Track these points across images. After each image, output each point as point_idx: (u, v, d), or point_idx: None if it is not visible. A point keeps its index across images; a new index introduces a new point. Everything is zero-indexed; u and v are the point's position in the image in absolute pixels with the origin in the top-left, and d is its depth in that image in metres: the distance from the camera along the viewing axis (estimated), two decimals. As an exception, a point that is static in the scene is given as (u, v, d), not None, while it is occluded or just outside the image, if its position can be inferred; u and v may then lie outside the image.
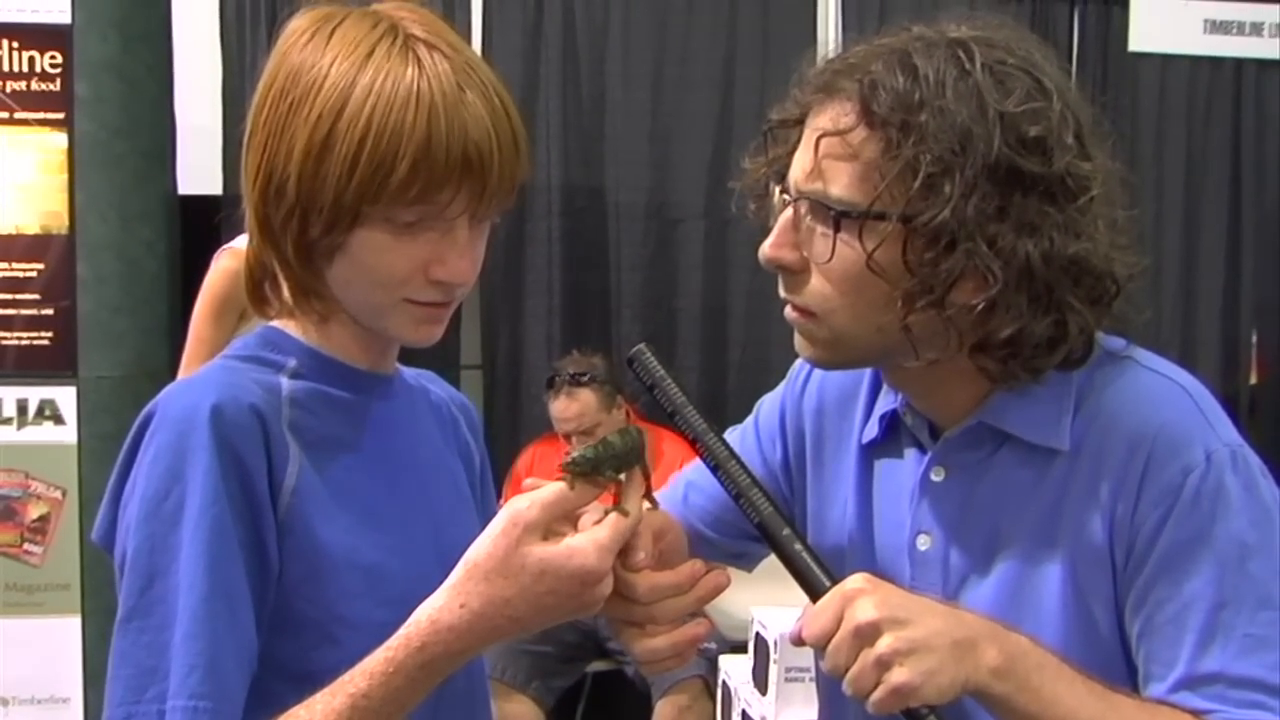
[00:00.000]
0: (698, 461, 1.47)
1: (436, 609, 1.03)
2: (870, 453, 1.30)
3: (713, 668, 3.42)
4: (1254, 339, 4.75)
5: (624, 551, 1.12)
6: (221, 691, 1.01)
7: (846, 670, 1.03)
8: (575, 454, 1.05)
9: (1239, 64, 4.69)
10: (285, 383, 1.15)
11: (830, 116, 1.13)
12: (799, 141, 1.18)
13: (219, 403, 1.06)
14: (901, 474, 1.27)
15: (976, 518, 1.21)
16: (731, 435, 1.47)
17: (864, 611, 1.02)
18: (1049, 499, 1.18)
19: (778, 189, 1.20)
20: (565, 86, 4.36)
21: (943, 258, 1.09)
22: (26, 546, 3.32)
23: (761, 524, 1.13)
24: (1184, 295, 4.72)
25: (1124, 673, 1.16)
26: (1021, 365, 1.14)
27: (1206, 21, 4.66)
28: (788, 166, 1.18)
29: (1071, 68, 4.66)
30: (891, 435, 1.28)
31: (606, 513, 1.07)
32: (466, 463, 1.34)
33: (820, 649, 1.05)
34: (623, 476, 1.10)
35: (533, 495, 1.04)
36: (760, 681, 2.96)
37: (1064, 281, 1.11)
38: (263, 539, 1.07)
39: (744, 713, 3.06)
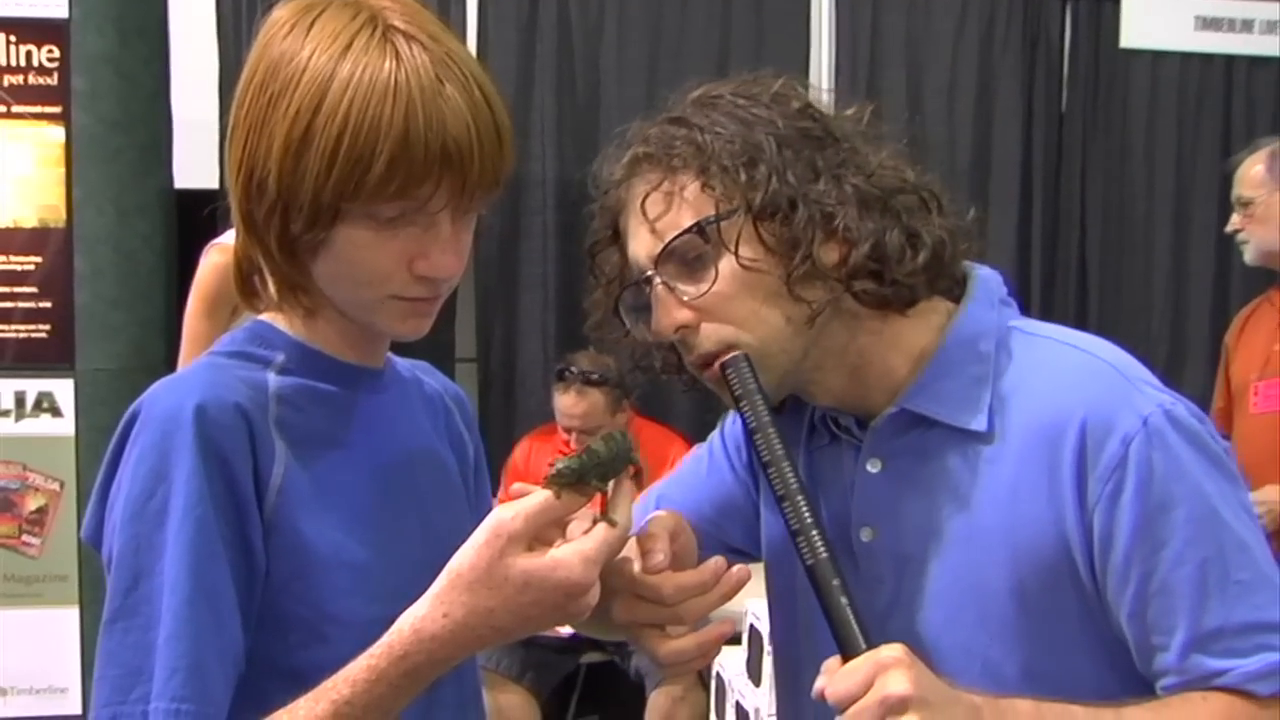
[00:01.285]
0: (672, 474, 1.48)
1: (419, 618, 1.01)
2: (810, 451, 1.30)
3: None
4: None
5: (643, 555, 1.13)
6: (204, 694, 0.99)
7: None
8: (560, 464, 1.03)
9: (1230, 60, 4.71)
10: (273, 379, 1.13)
11: (640, 188, 1.21)
12: (624, 254, 1.24)
13: (203, 402, 1.04)
14: (840, 469, 1.26)
15: (915, 507, 1.21)
16: (700, 448, 1.49)
17: (897, 684, 1.00)
18: (983, 484, 1.18)
19: (632, 289, 1.24)
20: (560, 81, 4.36)
21: (790, 225, 1.16)
22: (25, 538, 3.32)
23: (814, 567, 1.10)
24: (1174, 290, 4.74)
25: (1084, 652, 1.17)
26: (895, 284, 1.19)
27: (1197, 18, 4.68)
28: (628, 283, 1.24)
29: (1063, 64, 4.68)
30: (827, 433, 1.29)
31: (595, 521, 1.05)
32: (460, 454, 1.32)
33: (840, 710, 1.02)
34: (612, 484, 1.07)
35: (517, 505, 1.02)
36: (754, 673, 2.95)
37: (890, 194, 1.19)
38: (248, 538, 1.05)
39: (738, 704, 3.06)
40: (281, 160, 1.05)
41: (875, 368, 1.23)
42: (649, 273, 1.21)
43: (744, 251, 1.16)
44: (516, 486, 1.05)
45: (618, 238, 1.26)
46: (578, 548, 1.01)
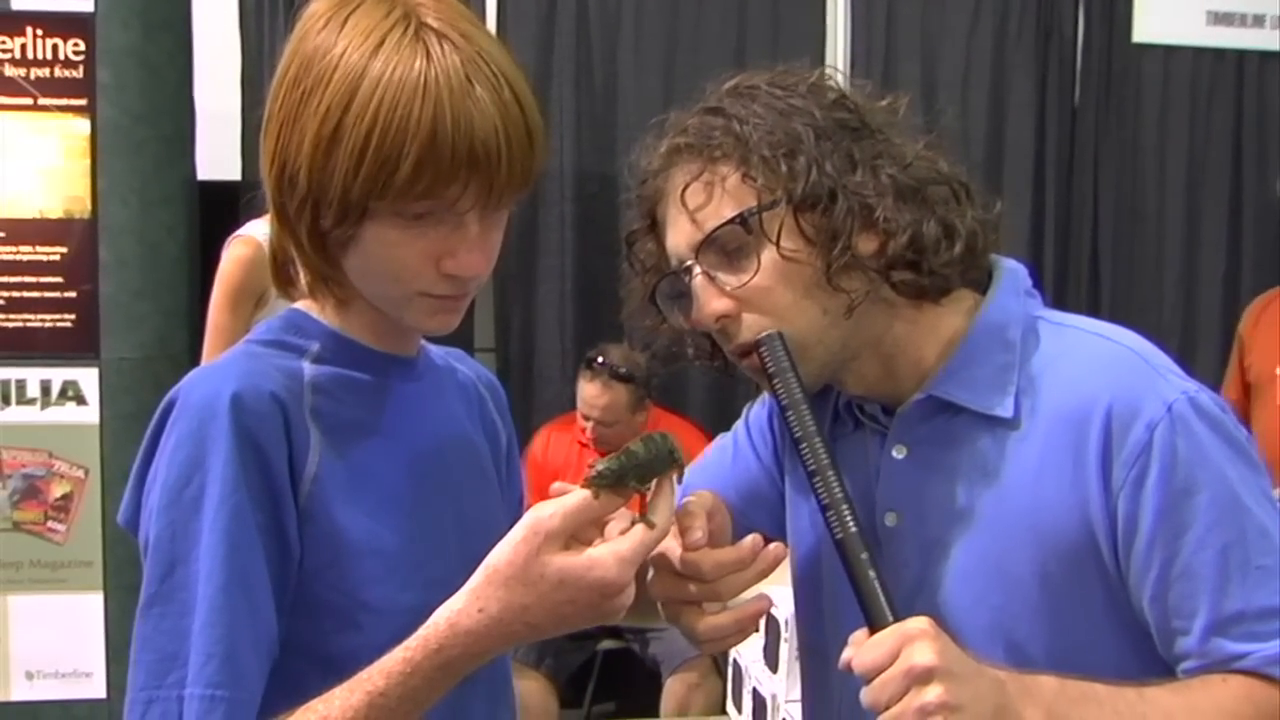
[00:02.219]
0: (696, 463, 1.47)
1: (455, 612, 1.01)
2: (835, 439, 1.30)
3: (723, 646, 3.42)
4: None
5: (681, 532, 1.13)
6: (238, 680, 1.00)
7: (887, 707, 1.01)
8: (600, 465, 1.03)
9: (1241, 55, 4.69)
10: (308, 368, 1.13)
11: (680, 178, 1.21)
12: (661, 243, 1.25)
13: (239, 391, 1.04)
14: (865, 455, 1.27)
15: (940, 492, 1.21)
16: (724, 437, 1.49)
17: (922, 655, 1.01)
18: (1008, 469, 1.19)
19: (672, 278, 1.24)
20: (578, 75, 4.35)
21: (830, 215, 1.16)
22: (50, 524, 3.32)
23: (843, 540, 1.11)
24: (1185, 283, 4.73)
25: (1107, 634, 1.17)
26: (934, 270, 1.19)
27: (1209, 13, 4.66)
28: (667, 272, 1.25)
29: (1076, 58, 4.66)
30: (851, 421, 1.29)
31: (633, 522, 1.04)
32: (492, 441, 1.32)
33: (867, 680, 1.03)
34: (654, 484, 1.07)
35: (557, 503, 1.02)
36: (771, 660, 2.95)
37: (924, 185, 1.21)
38: (283, 526, 1.05)
39: (755, 691, 3.05)
40: (312, 156, 1.04)
41: (908, 356, 1.23)
42: (689, 262, 1.21)
43: (785, 242, 1.16)
44: (556, 485, 1.05)
45: (655, 227, 1.27)
46: (614, 548, 1.01)
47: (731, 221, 1.17)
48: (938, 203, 1.21)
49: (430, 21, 1.05)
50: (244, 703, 1.00)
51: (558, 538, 1.00)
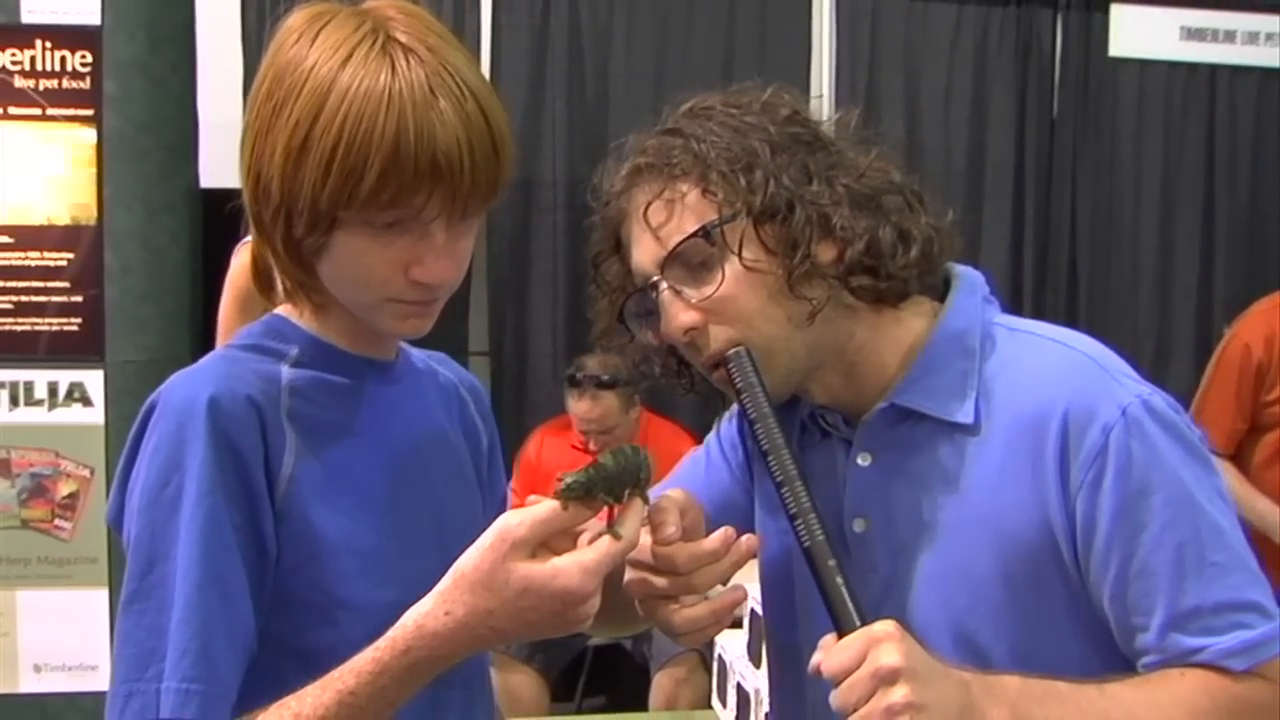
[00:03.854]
0: (670, 477, 1.48)
1: (423, 614, 1.01)
2: (802, 449, 1.29)
3: (709, 642, 3.44)
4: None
5: (655, 528, 1.12)
6: (212, 674, 1.00)
7: (855, 709, 1.01)
8: (569, 478, 1.02)
9: (1213, 69, 4.72)
10: (286, 371, 1.13)
11: (641, 198, 1.21)
12: (626, 263, 1.25)
13: (216, 395, 1.04)
14: (833, 463, 1.27)
15: (905, 498, 1.22)
16: (698, 450, 1.49)
17: (889, 656, 1.01)
18: (969, 474, 1.19)
19: (637, 297, 1.25)
20: (570, 85, 4.37)
21: (790, 224, 1.17)
22: (57, 522, 3.33)
23: (811, 549, 1.11)
24: (1160, 289, 4.75)
25: (1069, 633, 1.18)
26: (892, 274, 1.20)
27: (1183, 29, 4.69)
28: (633, 290, 1.25)
29: (1055, 72, 4.68)
30: (818, 431, 1.29)
31: (600, 533, 1.04)
32: (473, 444, 1.31)
33: (836, 683, 1.03)
34: (627, 495, 1.06)
35: (525, 512, 1.01)
36: (754, 655, 2.96)
37: (879, 194, 1.21)
38: (259, 525, 1.05)
39: (739, 685, 3.07)
40: (283, 167, 1.04)
41: (871, 364, 1.23)
42: (654, 278, 1.21)
43: (747, 253, 1.17)
44: (532, 498, 1.04)
45: (619, 248, 1.27)
46: (578, 558, 1.01)
47: (694, 235, 1.18)
48: (892, 210, 1.21)
49: (398, 36, 1.05)
50: (218, 696, 1.01)
51: (524, 546, 1.00)
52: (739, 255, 1.17)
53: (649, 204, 1.20)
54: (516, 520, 1.00)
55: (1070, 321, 4.40)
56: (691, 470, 1.47)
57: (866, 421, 1.23)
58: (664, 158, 1.21)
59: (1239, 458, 3.12)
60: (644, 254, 1.22)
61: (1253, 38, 4.73)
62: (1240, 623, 1.12)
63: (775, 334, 1.19)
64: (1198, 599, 1.12)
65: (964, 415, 1.20)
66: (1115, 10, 4.65)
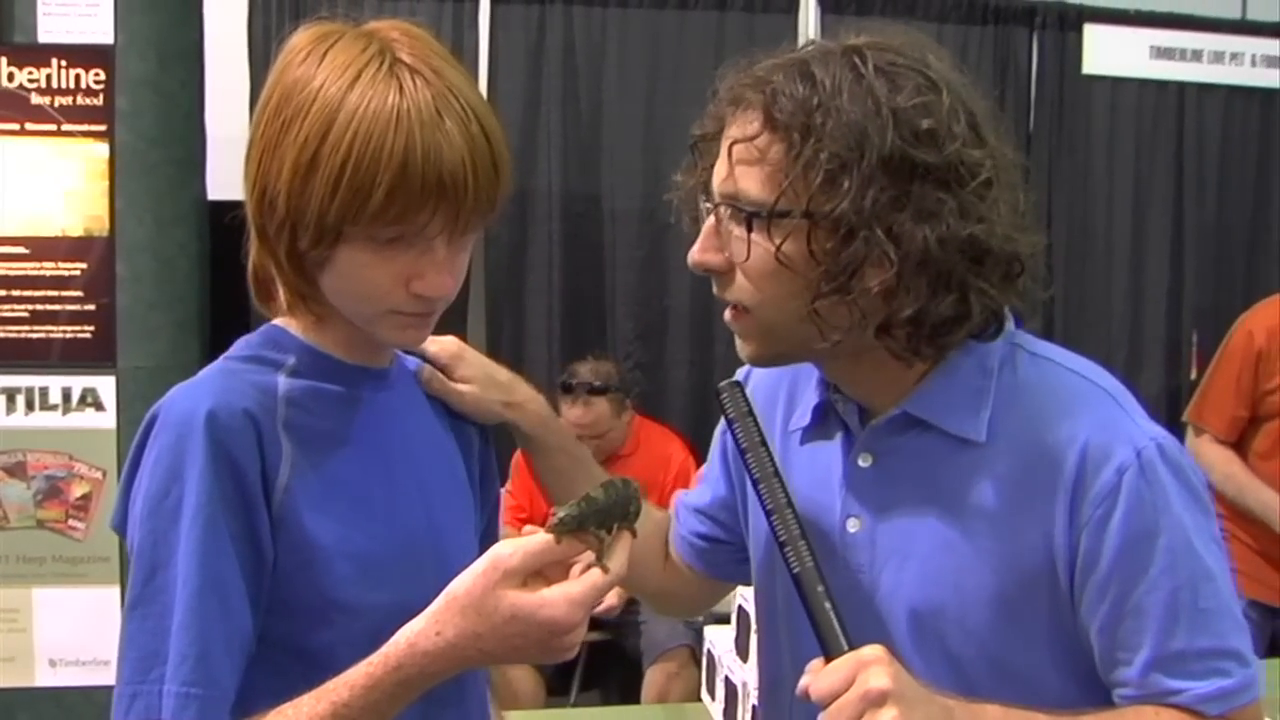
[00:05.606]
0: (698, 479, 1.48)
1: (415, 633, 1.02)
2: (799, 440, 1.28)
3: (699, 637, 3.45)
4: (1194, 338, 4.79)
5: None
6: (210, 678, 1.02)
7: None
8: (561, 513, 1.02)
9: (1182, 87, 4.76)
10: (283, 381, 1.13)
11: (739, 126, 1.13)
12: (719, 154, 1.17)
13: (214, 408, 1.05)
14: (828, 459, 1.25)
15: (902, 502, 1.20)
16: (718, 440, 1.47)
17: (877, 679, 1.00)
18: (973, 492, 1.16)
19: (703, 198, 1.19)
20: (565, 101, 4.37)
21: (843, 247, 1.08)
22: (71, 522, 3.32)
23: (800, 575, 1.11)
24: (1132, 298, 4.77)
25: (1049, 652, 1.17)
26: (925, 343, 1.13)
27: (1153, 48, 4.73)
28: (711, 178, 1.17)
29: (1030, 89, 4.70)
30: (821, 422, 1.27)
31: (588, 566, 1.04)
32: (466, 449, 1.31)
33: (824, 705, 1.02)
34: (617, 528, 1.06)
35: (519, 542, 1.02)
36: (742, 650, 2.97)
37: (963, 263, 1.09)
38: (256, 533, 1.06)
39: (727, 679, 3.09)
40: (291, 182, 1.04)
41: (889, 367, 1.18)
42: (715, 201, 1.16)
43: (787, 246, 1.10)
44: (528, 528, 1.05)
45: (718, 136, 1.19)
46: (565, 590, 1.01)
47: (741, 210, 1.12)
48: (975, 276, 1.10)
49: (404, 57, 1.06)
50: (216, 699, 1.02)
51: (515, 575, 1.01)
52: (777, 246, 1.11)
53: (738, 140, 1.13)
54: (509, 550, 1.01)
55: (1045, 329, 4.43)
56: (709, 473, 1.48)
57: (875, 425, 1.21)
58: (774, 100, 1.10)
59: (1241, 446, 3.13)
60: (717, 175, 1.16)
61: (1219, 57, 4.77)
62: (1220, 669, 1.12)
63: (779, 322, 1.15)
64: (1184, 644, 1.11)
65: (975, 432, 1.17)
66: (1089, 30, 4.68)
